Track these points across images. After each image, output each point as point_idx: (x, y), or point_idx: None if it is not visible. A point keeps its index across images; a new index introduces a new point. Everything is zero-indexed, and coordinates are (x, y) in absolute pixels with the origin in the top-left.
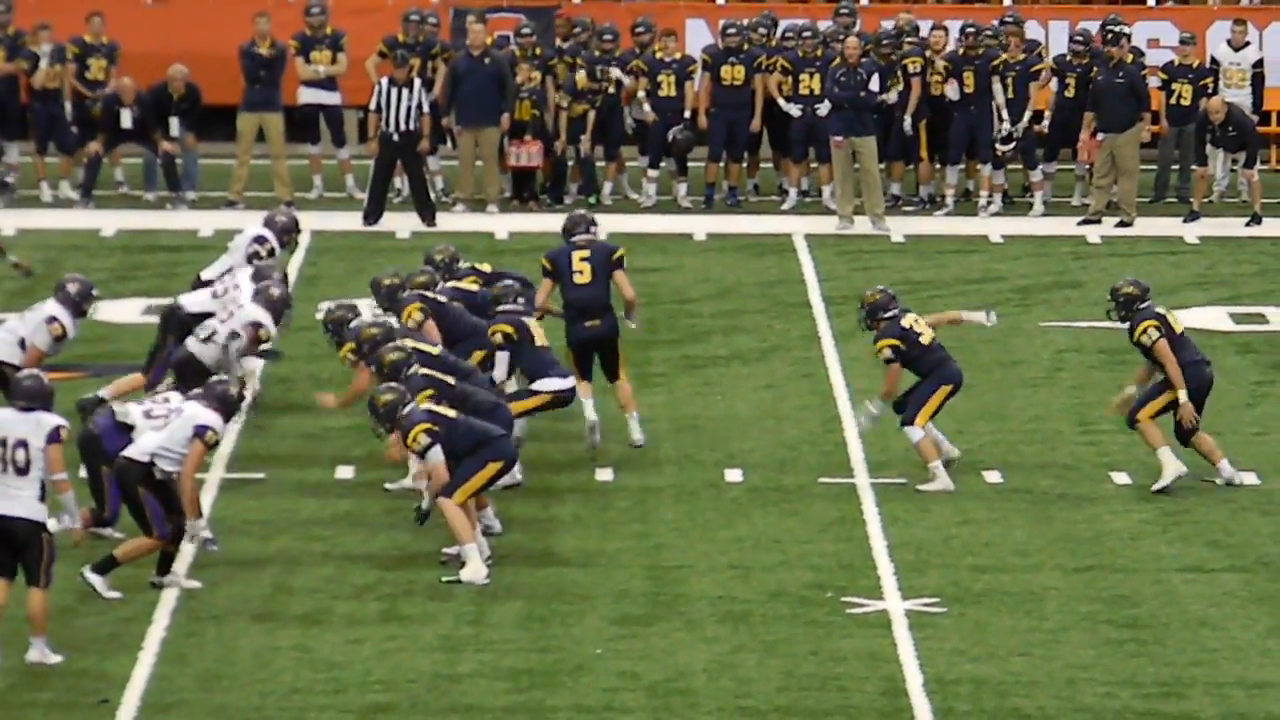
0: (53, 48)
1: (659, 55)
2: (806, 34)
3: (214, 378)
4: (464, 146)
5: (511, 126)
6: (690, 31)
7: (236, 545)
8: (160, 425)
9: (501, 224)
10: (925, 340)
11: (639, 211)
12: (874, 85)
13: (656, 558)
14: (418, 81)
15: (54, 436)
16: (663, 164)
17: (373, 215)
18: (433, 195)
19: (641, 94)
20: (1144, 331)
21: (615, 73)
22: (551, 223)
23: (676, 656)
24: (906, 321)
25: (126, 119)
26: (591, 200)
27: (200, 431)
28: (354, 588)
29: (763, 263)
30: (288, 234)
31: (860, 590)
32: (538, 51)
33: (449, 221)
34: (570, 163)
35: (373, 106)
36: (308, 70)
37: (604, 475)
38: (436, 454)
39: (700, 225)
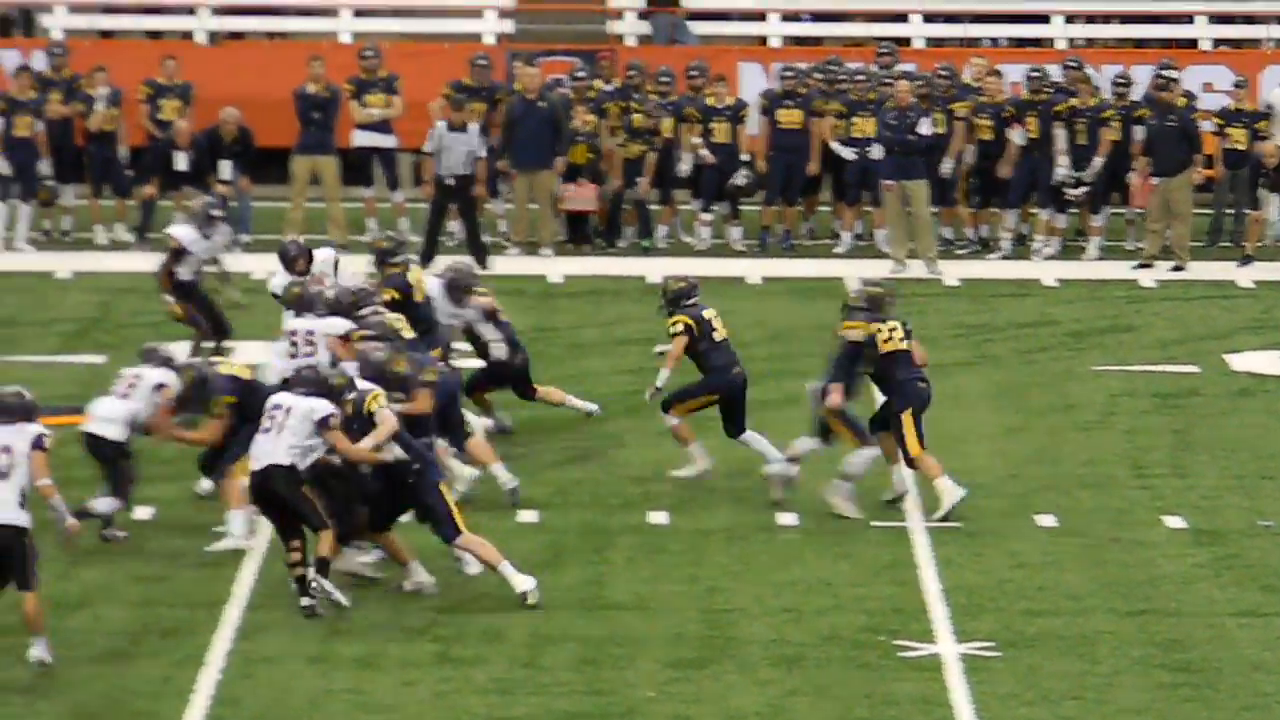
0: (109, 91)
1: (710, 102)
2: (859, 77)
3: (304, 366)
4: (518, 190)
5: (566, 170)
6: (743, 74)
7: (290, 589)
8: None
9: (555, 267)
10: (718, 337)
11: (693, 255)
12: (924, 129)
13: (709, 601)
14: (473, 125)
15: (38, 443)
16: (716, 207)
17: (426, 258)
18: (488, 238)
19: (697, 139)
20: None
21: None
22: (605, 266)
23: (729, 700)
24: (708, 314)
25: (181, 161)
26: (645, 244)
27: (326, 421)
28: (407, 630)
29: (816, 306)
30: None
31: (913, 634)
32: (592, 94)
33: (503, 264)
34: (626, 206)
35: (428, 149)
36: (362, 113)
37: (657, 518)
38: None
39: (754, 269)
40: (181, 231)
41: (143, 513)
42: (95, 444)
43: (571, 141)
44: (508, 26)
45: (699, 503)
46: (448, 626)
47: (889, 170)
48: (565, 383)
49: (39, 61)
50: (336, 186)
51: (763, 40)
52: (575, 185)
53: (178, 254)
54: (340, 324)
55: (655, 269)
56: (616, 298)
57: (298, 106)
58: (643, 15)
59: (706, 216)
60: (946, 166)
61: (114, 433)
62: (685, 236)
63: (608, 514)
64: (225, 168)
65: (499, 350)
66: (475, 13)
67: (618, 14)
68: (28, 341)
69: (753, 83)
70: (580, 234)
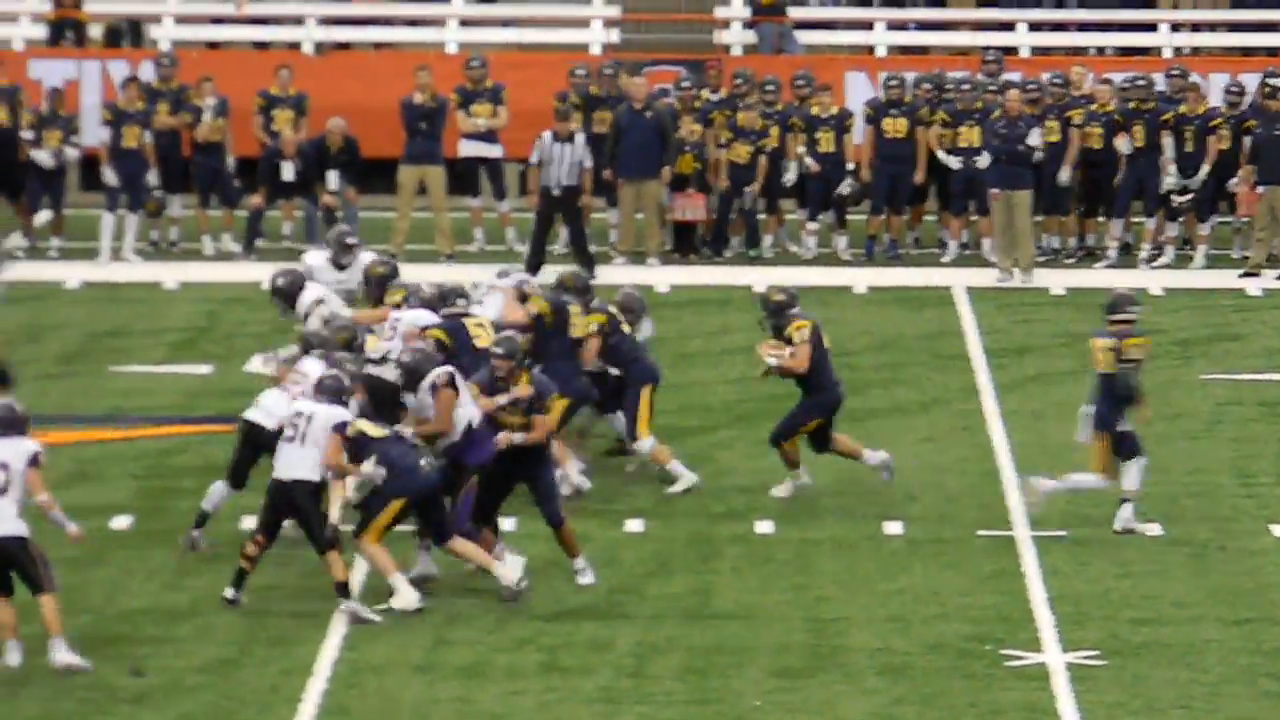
0: (215, 101)
1: (815, 112)
2: (965, 86)
3: (326, 374)
4: (624, 199)
5: (674, 180)
6: (850, 84)
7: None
8: None
9: (662, 277)
10: (626, 329)
11: (800, 264)
12: (1034, 139)
13: (816, 610)
14: (579, 136)
15: (34, 460)
16: (822, 216)
17: (533, 267)
18: (595, 248)
19: (801, 149)
20: (798, 329)
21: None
22: (712, 276)
23: (836, 709)
24: (613, 308)
25: (287, 172)
26: (752, 253)
27: (341, 428)
28: (514, 639)
29: (923, 315)
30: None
31: (1019, 643)
32: (698, 104)
33: (609, 274)
34: (732, 216)
35: (534, 160)
36: (468, 123)
37: (764, 527)
38: None
39: (861, 278)
40: (313, 257)
41: (250, 521)
42: (252, 432)
43: (678, 151)
44: (614, 36)
45: (805, 512)
46: (554, 635)
47: (996, 179)
48: (671, 393)
49: (147, 72)
50: (443, 196)
51: (870, 49)
52: (684, 195)
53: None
54: (424, 318)
55: (762, 279)
56: (722, 308)
57: (404, 116)
58: (749, 25)
59: (813, 226)
60: (1065, 174)
61: (274, 424)
62: (792, 246)
63: (714, 523)
64: (332, 178)
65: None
66: (582, 23)
67: (724, 23)
68: (136, 352)
69: (859, 92)
70: (687, 244)
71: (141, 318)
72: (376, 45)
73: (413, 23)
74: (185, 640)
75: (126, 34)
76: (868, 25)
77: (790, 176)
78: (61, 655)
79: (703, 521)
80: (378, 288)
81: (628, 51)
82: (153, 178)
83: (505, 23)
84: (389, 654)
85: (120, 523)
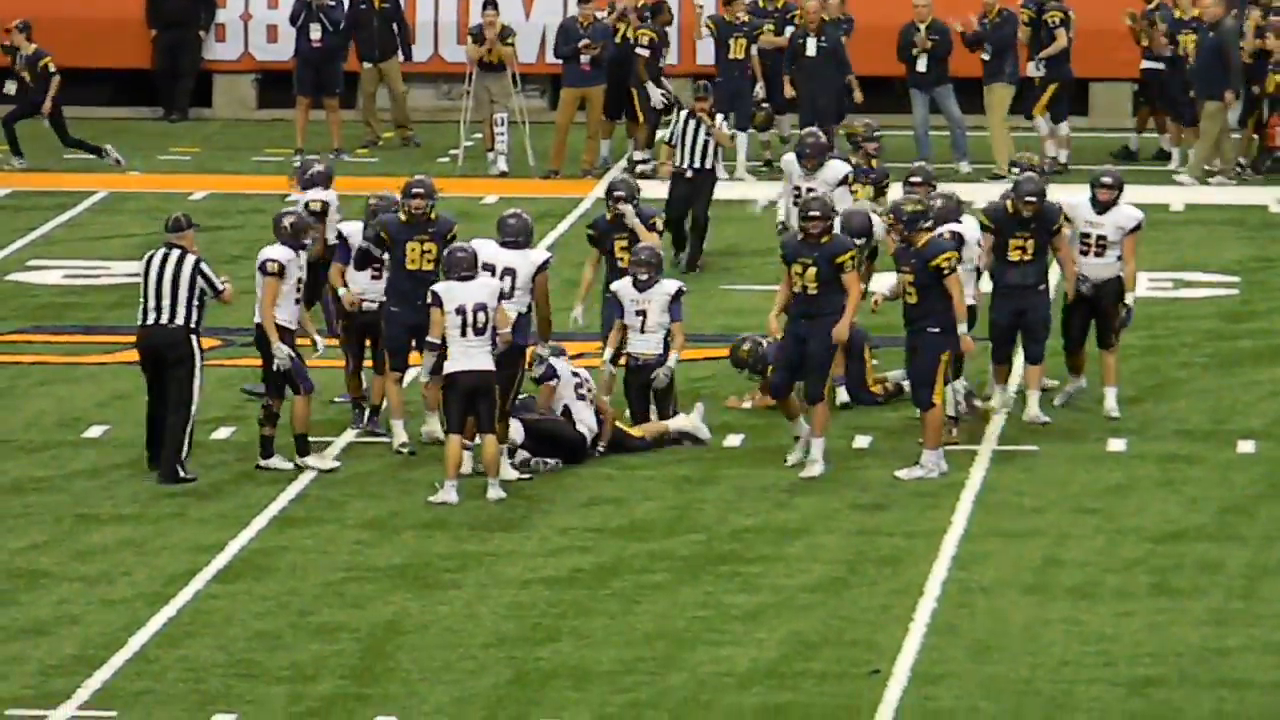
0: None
1: None
2: None
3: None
4: None
5: None
6: None
7: (1006, 518)
8: None
9: None
10: None
11: None
12: None
13: None
14: None
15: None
16: None
17: None
18: None
19: None
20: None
21: None
22: None
23: None
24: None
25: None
26: None
27: (263, 266)
28: (1124, 560)
29: None
30: None
31: None
32: None
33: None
34: None
35: None
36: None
37: None
38: None
39: None
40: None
41: (861, 441)
42: None
43: None
44: None
45: None
46: (1165, 557)
47: None
48: None
49: None
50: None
51: None
52: None
53: None
54: None
55: None
56: None
57: None
58: None
59: None
60: None
61: None
62: None
63: None
64: None
65: None
66: None
67: None
68: (747, 271)
69: None
70: None
71: (751, 237)
72: None
73: None
74: (796, 559)
75: None
76: None
77: None
78: (494, 493)
79: None
80: None
81: None
82: (759, 91)
83: None
84: (999, 574)
85: (733, 440)
